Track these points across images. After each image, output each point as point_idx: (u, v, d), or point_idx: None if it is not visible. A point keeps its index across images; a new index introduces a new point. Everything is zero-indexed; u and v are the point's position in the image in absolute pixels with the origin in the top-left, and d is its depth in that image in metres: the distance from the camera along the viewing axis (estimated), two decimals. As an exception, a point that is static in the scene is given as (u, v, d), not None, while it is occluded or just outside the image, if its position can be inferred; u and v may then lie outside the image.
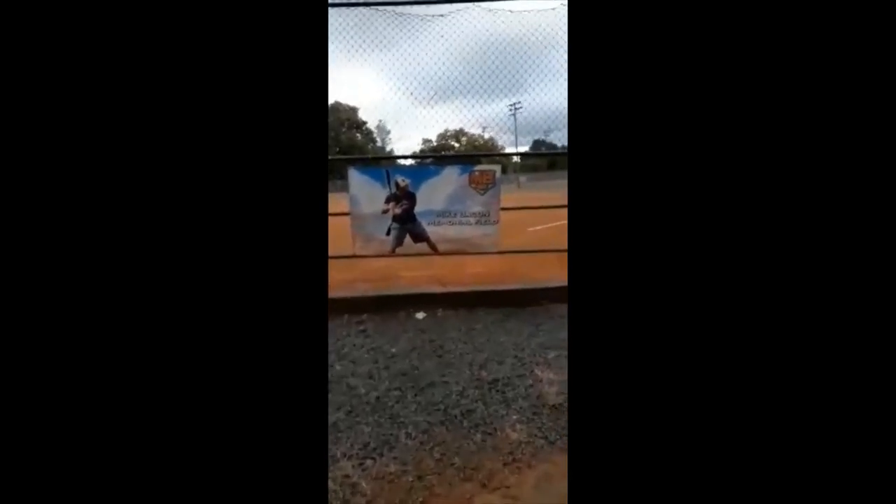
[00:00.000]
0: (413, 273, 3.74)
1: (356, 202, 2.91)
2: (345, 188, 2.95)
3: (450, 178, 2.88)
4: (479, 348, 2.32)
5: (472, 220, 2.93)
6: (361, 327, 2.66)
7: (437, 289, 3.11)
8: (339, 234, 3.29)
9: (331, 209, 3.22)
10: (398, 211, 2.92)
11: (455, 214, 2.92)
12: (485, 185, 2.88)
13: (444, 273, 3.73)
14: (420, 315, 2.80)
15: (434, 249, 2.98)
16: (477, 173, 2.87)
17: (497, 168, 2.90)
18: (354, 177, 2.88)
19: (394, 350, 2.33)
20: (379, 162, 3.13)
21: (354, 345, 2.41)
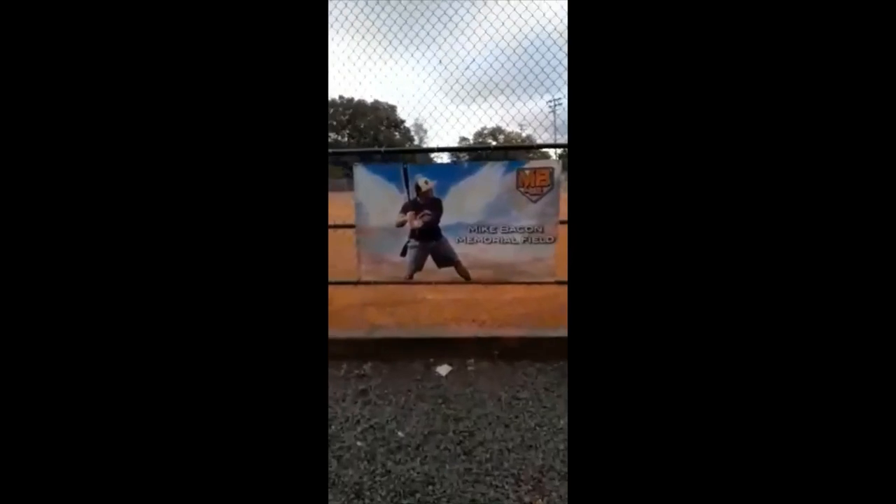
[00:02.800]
0: (438, 296, 2.98)
1: (363, 210, 2.18)
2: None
3: (489, 179, 2.08)
4: (528, 440, 1.52)
5: (518, 237, 2.11)
6: (362, 386, 1.92)
7: (466, 329, 2.32)
8: (346, 249, 2.59)
9: (340, 215, 2.55)
10: (418, 223, 2.15)
11: (495, 229, 2.12)
12: (539, 189, 2.05)
13: (478, 299, 2.95)
14: (443, 369, 2.03)
15: (465, 276, 2.19)
16: (528, 172, 2.05)
17: (556, 164, 2.06)
18: (361, 175, 2.15)
19: (401, 434, 1.57)
20: (397, 156, 2.36)
21: (347, 419, 1.68)
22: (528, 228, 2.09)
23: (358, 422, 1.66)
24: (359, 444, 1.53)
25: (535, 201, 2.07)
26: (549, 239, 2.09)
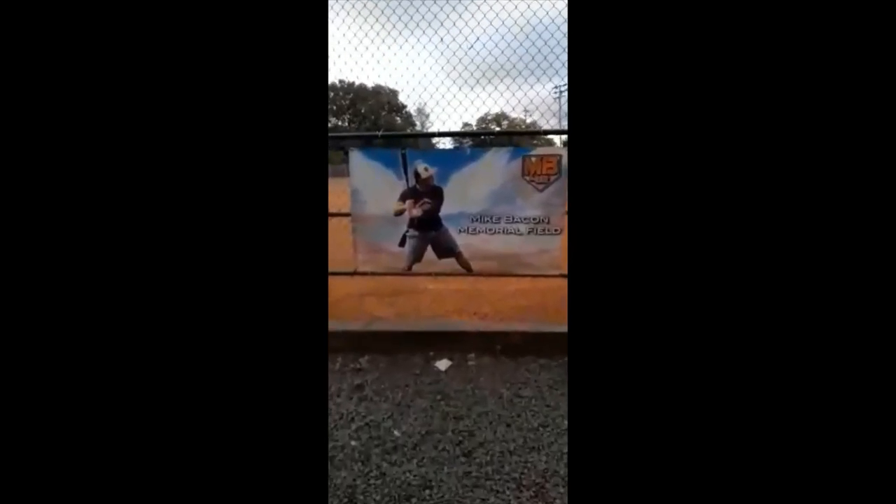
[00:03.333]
0: (439, 286, 2.90)
1: (359, 198, 2.08)
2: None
3: (493, 167, 1.98)
4: (531, 441, 1.45)
5: (523, 227, 2.02)
6: (358, 381, 1.86)
7: (468, 323, 2.25)
8: (343, 238, 2.50)
9: (337, 203, 2.45)
10: (417, 212, 2.06)
11: (499, 219, 2.02)
12: (545, 177, 1.95)
13: (481, 289, 2.87)
14: (442, 364, 1.96)
15: (466, 268, 2.10)
16: (534, 159, 1.94)
17: (563, 152, 1.96)
18: (358, 161, 2.04)
19: (398, 434, 1.50)
20: (397, 141, 2.25)
21: (342, 417, 1.61)
22: (534, 219, 2.00)
23: (353, 419, 1.59)
24: (353, 443, 1.46)
25: (541, 190, 1.96)
26: (556, 230, 2.00)
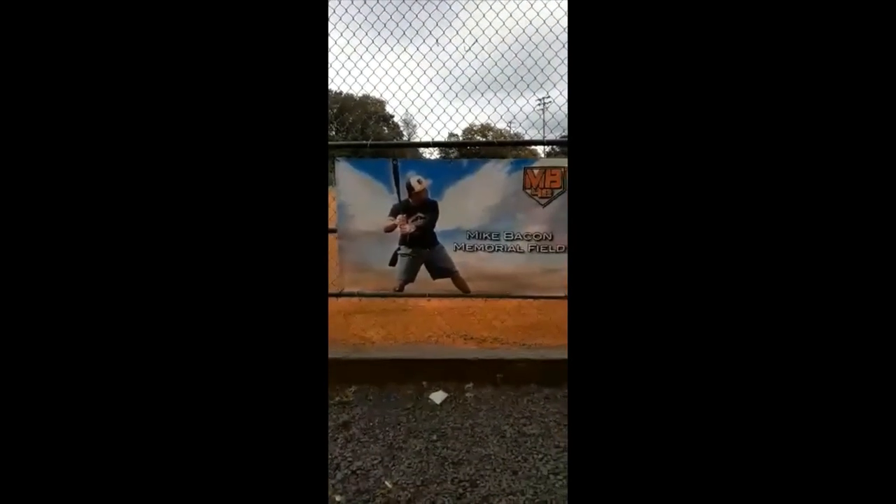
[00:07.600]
0: (431, 303, 2.72)
1: (346, 212, 1.90)
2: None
3: (492, 179, 1.83)
4: (542, 493, 1.28)
5: (525, 244, 1.86)
6: (345, 417, 1.66)
7: (464, 349, 2.07)
8: (329, 255, 2.32)
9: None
10: (410, 228, 1.88)
11: (498, 236, 1.86)
12: (549, 191, 1.80)
13: (475, 306, 2.71)
14: (437, 397, 1.78)
15: (463, 289, 1.93)
16: (537, 171, 1.80)
17: (566, 163, 1.82)
18: (344, 172, 1.87)
19: (389, 485, 1.31)
20: (385, 151, 2.09)
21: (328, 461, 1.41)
22: (536, 236, 1.85)
23: (338, 466, 1.39)
24: (338, 498, 1.26)
25: (544, 205, 1.82)
26: (560, 248, 1.85)
